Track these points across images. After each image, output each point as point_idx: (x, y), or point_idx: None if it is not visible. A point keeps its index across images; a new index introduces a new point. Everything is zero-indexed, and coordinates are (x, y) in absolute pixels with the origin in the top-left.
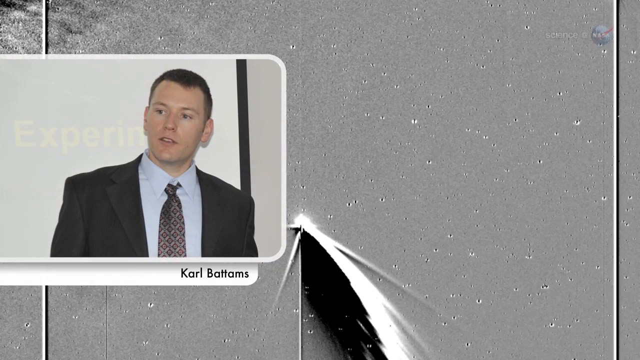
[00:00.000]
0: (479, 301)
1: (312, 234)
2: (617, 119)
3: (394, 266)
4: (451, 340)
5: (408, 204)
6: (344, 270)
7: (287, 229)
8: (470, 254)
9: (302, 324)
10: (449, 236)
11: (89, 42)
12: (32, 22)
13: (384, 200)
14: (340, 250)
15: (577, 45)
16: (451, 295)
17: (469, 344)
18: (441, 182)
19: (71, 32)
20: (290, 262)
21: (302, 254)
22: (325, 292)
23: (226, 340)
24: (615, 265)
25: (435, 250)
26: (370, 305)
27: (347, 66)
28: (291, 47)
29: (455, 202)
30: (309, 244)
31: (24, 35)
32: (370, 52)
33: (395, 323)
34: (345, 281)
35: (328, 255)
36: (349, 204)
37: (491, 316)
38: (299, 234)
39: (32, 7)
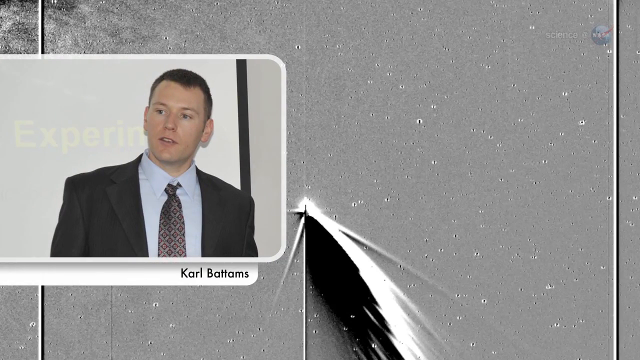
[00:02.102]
0: (484, 301)
1: (318, 226)
2: (618, 119)
3: (399, 266)
4: (456, 340)
5: (413, 204)
6: (352, 258)
7: (290, 213)
8: (476, 254)
9: (307, 323)
10: (454, 236)
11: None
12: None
13: (388, 200)
14: (348, 235)
15: (582, 45)
16: (456, 295)
17: (474, 344)
18: (446, 182)
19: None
20: (290, 261)
21: (306, 250)
22: (332, 285)
23: (231, 340)
24: (620, 266)
25: (441, 250)
26: (380, 294)
27: (351, 66)
28: (296, 47)
29: (461, 202)
30: (313, 239)
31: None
32: (375, 52)
33: (407, 314)
34: (354, 269)
35: (335, 246)
36: (354, 204)
37: (496, 316)
38: (302, 226)
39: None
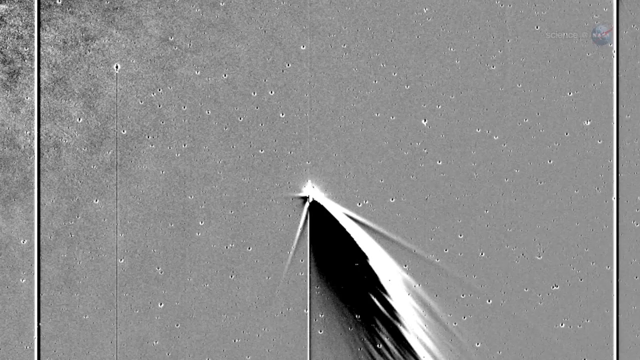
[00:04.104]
0: (489, 301)
1: (323, 205)
2: (618, 118)
3: (404, 266)
4: (461, 340)
5: (418, 204)
6: (361, 246)
7: (290, 198)
8: (481, 254)
9: (311, 323)
10: (459, 236)
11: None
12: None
13: (394, 200)
14: (353, 219)
15: (587, 45)
16: (461, 296)
17: (479, 344)
18: (451, 182)
19: None
20: (291, 255)
21: (310, 238)
22: (338, 278)
23: (237, 340)
24: (625, 266)
25: (446, 250)
26: (389, 285)
27: (357, 66)
28: (301, 47)
29: (466, 202)
30: (318, 227)
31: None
32: (380, 52)
33: (419, 305)
34: (363, 258)
35: (342, 233)
36: (359, 204)
37: (501, 316)
38: (305, 219)
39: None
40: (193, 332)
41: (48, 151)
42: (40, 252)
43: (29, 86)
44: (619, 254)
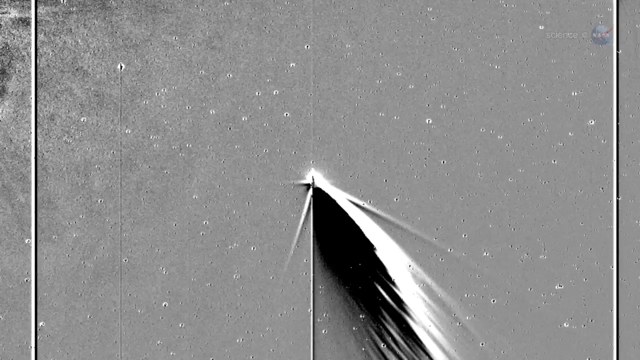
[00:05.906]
0: (493, 301)
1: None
2: (618, 118)
3: (409, 266)
4: (466, 340)
5: (422, 204)
6: (368, 236)
7: (292, 185)
8: (485, 253)
9: (315, 323)
10: (463, 236)
11: None
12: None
13: (398, 200)
14: (357, 206)
15: (591, 45)
16: (466, 295)
17: (483, 344)
18: (455, 182)
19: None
20: (293, 250)
21: (314, 226)
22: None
23: (240, 340)
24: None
25: (450, 250)
26: (397, 274)
27: (361, 66)
28: (306, 47)
29: (470, 202)
30: (322, 214)
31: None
32: (385, 52)
33: (427, 296)
34: (370, 247)
35: (348, 223)
36: (363, 204)
37: (505, 316)
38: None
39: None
40: (197, 332)
41: (79, 171)
42: (38, 254)
43: (65, 103)
44: (619, 254)
